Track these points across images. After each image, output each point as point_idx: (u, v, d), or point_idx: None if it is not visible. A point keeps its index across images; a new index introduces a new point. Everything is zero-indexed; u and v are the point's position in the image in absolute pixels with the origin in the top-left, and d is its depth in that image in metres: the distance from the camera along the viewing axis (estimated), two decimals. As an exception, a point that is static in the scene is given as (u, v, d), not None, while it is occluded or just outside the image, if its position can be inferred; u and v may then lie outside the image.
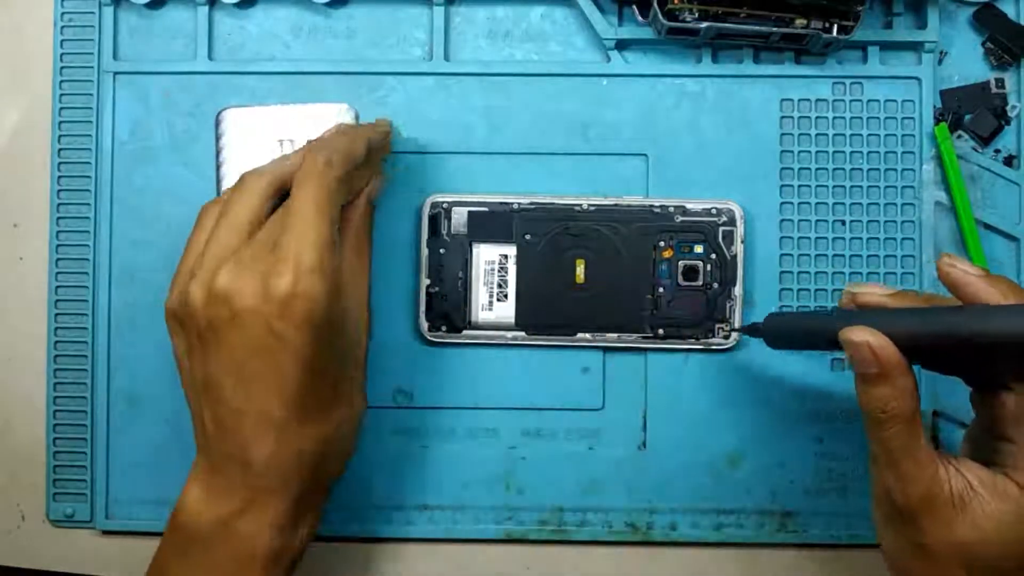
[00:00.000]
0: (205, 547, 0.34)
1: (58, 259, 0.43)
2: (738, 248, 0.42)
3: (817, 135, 0.43)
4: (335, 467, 0.37)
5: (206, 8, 0.44)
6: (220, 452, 0.34)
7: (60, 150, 0.44)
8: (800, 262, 0.43)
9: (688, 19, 0.40)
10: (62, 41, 0.44)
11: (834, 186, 0.43)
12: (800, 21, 0.40)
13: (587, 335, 0.42)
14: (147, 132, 0.44)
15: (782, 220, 0.43)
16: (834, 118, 0.43)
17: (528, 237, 0.42)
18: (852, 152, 0.43)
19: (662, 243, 0.42)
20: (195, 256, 0.34)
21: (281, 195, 0.36)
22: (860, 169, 0.43)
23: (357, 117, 0.43)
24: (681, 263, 0.42)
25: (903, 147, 0.43)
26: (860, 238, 0.43)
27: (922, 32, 0.43)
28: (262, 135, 0.43)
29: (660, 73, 0.43)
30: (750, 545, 0.43)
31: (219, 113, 0.43)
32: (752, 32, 0.41)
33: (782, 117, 0.43)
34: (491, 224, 0.42)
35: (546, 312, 0.42)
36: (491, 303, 0.42)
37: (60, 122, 0.44)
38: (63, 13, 0.44)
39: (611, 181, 0.43)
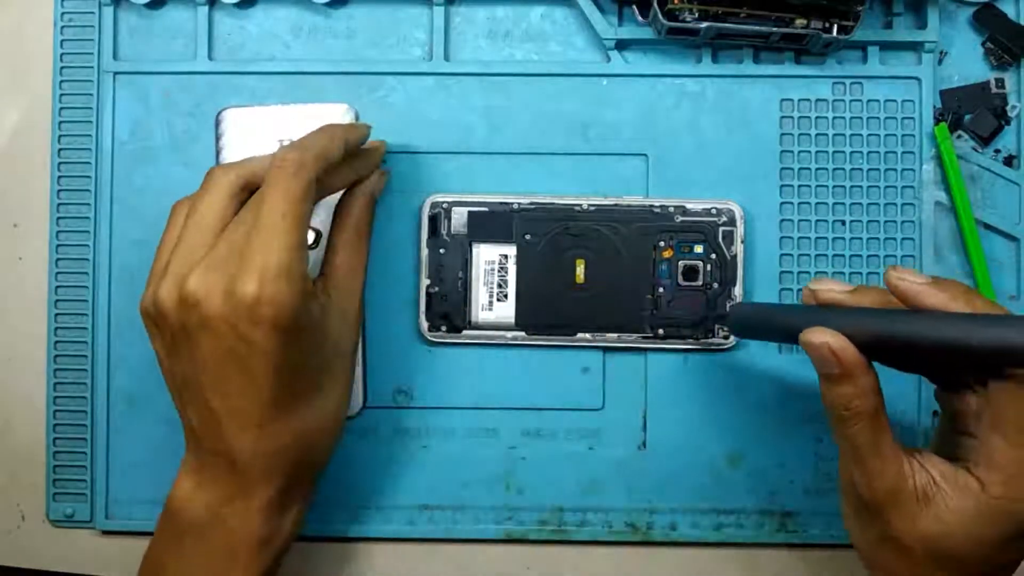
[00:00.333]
0: (197, 536, 0.35)
1: (58, 259, 0.43)
2: (738, 248, 0.42)
3: (817, 135, 0.43)
4: (319, 458, 0.37)
5: (206, 8, 0.44)
6: (205, 447, 0.35)
7: (60, 150, 0.44)
8: (800, 262, 0.43)
9: (688, 19, 0.40)
10: (62, 41, 0.44)
11: (834, 186, 0.43)
12: (800, 21, 0.40)
13: (587, 335, 0.42)
14: (147, 132, 0.44)
15: (782, 220, 0.43)
16: (834, 118, 0.43)
17: (528, 237, 0.42)
18: (852, 152, 0.43)
19: (662, 243, 0.42)
20: (166, 256, 0.35)
21: (251, 191, 0.35)
22: (860, 169, 0.43)
23: (357, 117, 0.43)
24: (681, 263, 0.42)
25: (903, 147, 0.43)
26: (860, 238, 0.43)
27: (922, 32, 0.43)
28: (262, 135, 0.43)
29: (660, 73, 0.43)
30: (750, 545, 0.43)
31: (219, 113, 0.43)
32: (752, 32, 0.41)
33: (782, 117, 0.43)
34: (491, 224, 0.42)
35: (546, 312, 0.42)
36: (491, 303, 0.42)
37: (60, 122, 0.44)
38: (63, 13, 0.44)
39: (611, 181, 0.43)
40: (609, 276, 0.42)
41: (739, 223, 0.42)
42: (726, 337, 0.42)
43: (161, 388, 0.43)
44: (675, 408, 0.43)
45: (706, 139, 0.43)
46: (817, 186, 0.43)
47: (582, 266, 0.42)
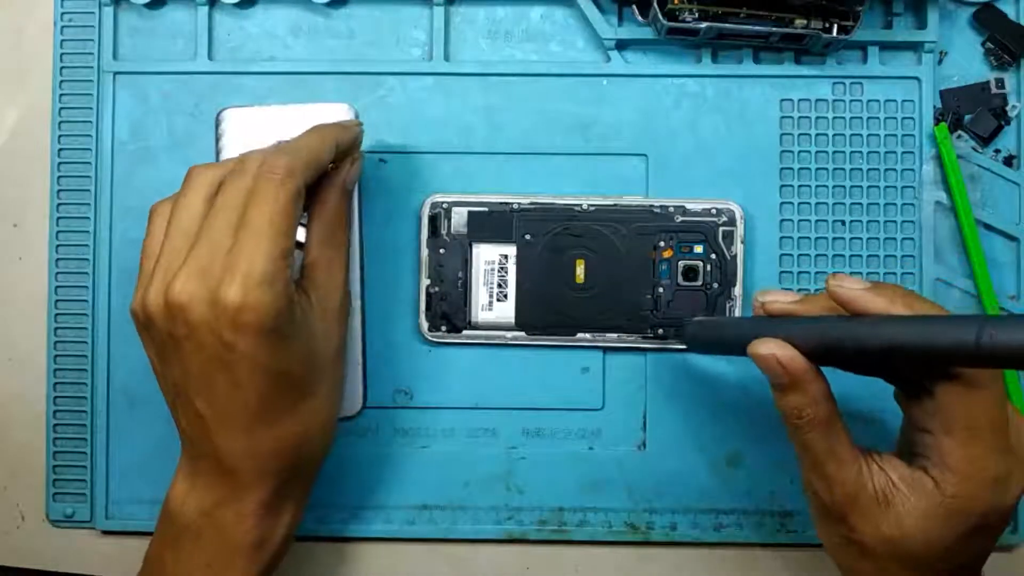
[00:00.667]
0: (192, 537, 0.35)
1: (58, 259, 0.43)
2: (738, 248, 0.42)
3: (817, 135, 0.43)
4: (312, 459, 0.37)
5: (206, 8, 0.44)
6: (197, 450, 0.35)
7: (60, 150, 0.44)
8: (800, 262, 0.43)
9: (688, 19, 0.40)
10: (62, 41, 0.44)
11: (834, 186, 0.43)
12: (800, 21, 0.40)
13: (587, 335, 0.42)
14: (147, 132, 0.44)
15: (782, 220, 0.43)
16: (834, 118, 0.43)
17: (528, 237, 0.42)
18: (852, 152, 0.43)
19: (662, 243, 0.42)
20: (152, 260, 0.35)
21: None
22: (860, 169, 0.43)
23: (357, 117, 0.43)
24: (681, 263, 0.42)
25: (903, 147, 0.43)
26: (860, 238, 0.43)
27: (922, 32, 0.43)
28: (262, 135, 0.43)
29: (660, 73, 0.43)
30: (750, 545, 0.43)
31: (219, 113, 0.43)
32: (752, 32, 0.41)
33: (782, 117, 0.43)
34: (491, 224, 0.42)
35: (546, 312, 0.42)
36: (491, 303, 0.42)
37: (60, 122, 0.44)
38: (63, 13, 0.44)
39: (611, 181, 0.43)
40: (609, 276, 0.42)
41: (739, 223, 0.42)
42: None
43: (161, 388, 0.43)
44: (675, 408, 0.43)
45: (706, 139, 0.43)
46: (817, 186, 0.43)
47: (582, 266, 0.42)
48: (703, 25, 0.40)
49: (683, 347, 0.42)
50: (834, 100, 0.43)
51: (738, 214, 0.42)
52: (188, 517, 0.35)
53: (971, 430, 0.30)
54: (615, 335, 0.42)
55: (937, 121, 0.43)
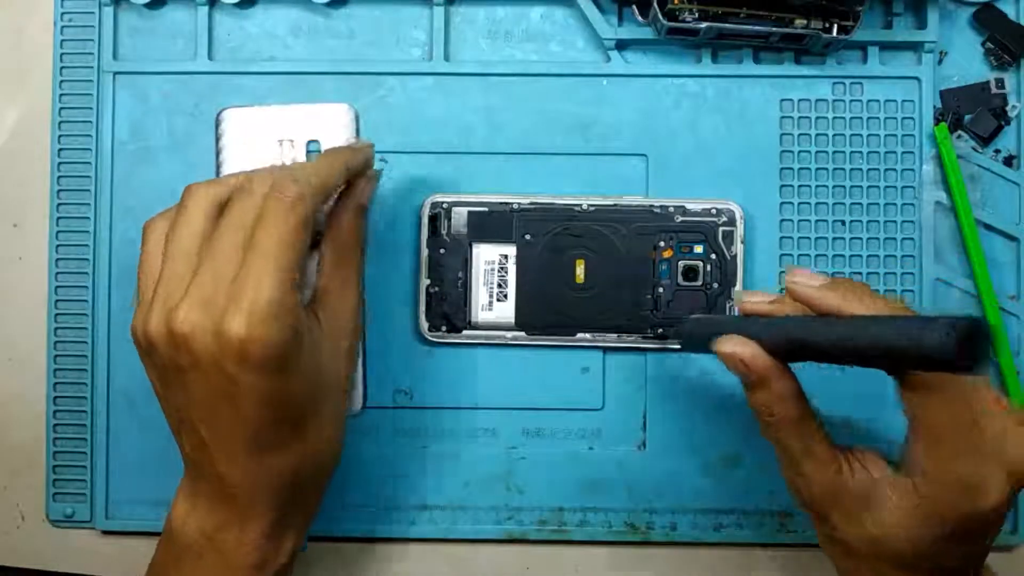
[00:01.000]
0: (194, 557, 0.35)
1: (58, 259, 0.43)
2: (738, 248, 0.42)
3: (817, 135, 0.43)
4: (316, 485, 0.36)
5: (206, 8, 0.44)
6: (198, 474, 0.35)
7: (60, 150, 0.44)
8: (800, 262, 0.43)
9: (688, 19, 0.40)
10: (62, 41, 0.44)
11: (834, 186, 0.43)
12: (800, 21, 0.40)
13: (587, 335, 0.42)
14: (147, 132, 0.44)
15: (782, 220, 0.43)
16: (834, 118, 0.43)
17: (528, 237, 0.42)
18: (852, 152, 0.43)
19: (662, 243, 0.42)
20: (151, 281, 0.33)
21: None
22: (860, 169, 0.43)
23: (357, 117, 0.43)
24: (681, 263, 0.42)
25: (903, 147, 0.43)
26: (860, 238, 0.43)
27: (922, 32, 0.43)
28: (262, 135, 0.43)
29: (660, 73, 0.43)
30: (749, 545, 0.43)
31: (219, 113, 0.43)
32: (752, 32, 0.41)
33: (782, 117, 0.43)
34: (491, 224, 0.42)
35: (546, 312, 0.42)
36: (491, 303, 0.42)
37: (60, 122, 0.44)
38: (63, 13, 0.44)
39: (611, 181, 0.43)
40: (609, 276, 0.42)
41: (739, 223, 0.42)
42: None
43: (161, 388, 0.43)
44: (675, 408, 0.43)
45: (706, 139, 0.43)
46: (817, 186, 0.43)
47: (582, 266, 0.42)
48: (703, 25, 0.40)
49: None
50: (834, 100, 0.43)
51: (738, 214, 0.42)
52: (190, 537, 0.35)
53: (934, 432, 0.30)
54: (615, 335, 0.42)
55: (937, 121, 0.43)
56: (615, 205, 0.42)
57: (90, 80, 0.44)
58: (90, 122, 0.43)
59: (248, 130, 0.43)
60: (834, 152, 0.43)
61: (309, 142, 0.43)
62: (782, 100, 0.43)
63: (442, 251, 0.42)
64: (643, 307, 0.42)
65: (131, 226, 0.43)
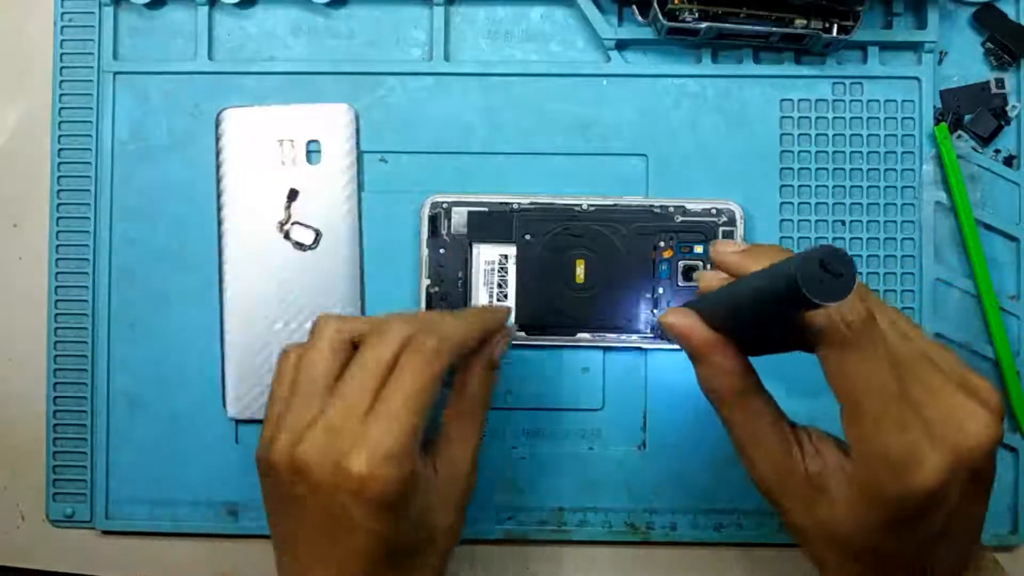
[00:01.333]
0: None
1: (58, 259, 0.43)
2: (738, 248, 0.42)
3: (817, 135, 0.43)
4: None
5: (206, 8, 0.44)
6: None
7: (60, 150, 0.44)
8: (800, 262, 0.43)
9: (688, 19, 0.40)
10: (62, 41, 0.44)
11: (834, 186, 0.43)
12: (800, 21, 0.40)
13: (587, 335, 0.42)
14: (147, 132, 0.44)
15: (782, 220, 0.43)
16: (834, 118, 0.43)
17: (528, 237, 0.42)
18: (852, 152, 0.43)
19: (662, 243, 0.42)
20: (278, 405, 0.35)
21: (356, 345, 0.35)
22: (860, 169, 0.43)
23: (357, 117, 0.43)
24: (681, 263, 0.42)
25: (903, 147, 0.43)
26: (860, 238, 0.43)
27: (922, 32, 0.43)
28: (262, 135, 0.43)
29: (660, 73, 0.43)
30: (750, 545, 0.43)
31: (219, 113, 0.43)
32: (752, 32, 0.41)
33: (782, 117, 0.43)
34: (491, 224, 0.42)
35: (546, 312, 0.42)
36: (491, 303, 0.42)
37: (60, 122, 0.44)
38: (63, 13, 0.44)
39: (611, 181, 0.43)
40: (609, 276, 0.42)
41: (739, 223, 0.42)
42: None
43: (161, 388, 0.43)
44: (675, 408, 0.43)
45: (706, 139, 0.43)
46: (817, 186, 0.43)
47: (582, 266, 0.42)
48: (703, 25, 0.40)
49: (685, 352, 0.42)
50: (834, 100, 0.43)
51: (738, 214, 0.42)
52: None
53: (854, 404, 0.28)
54: (615, 335, 0.42)
55: (937, 121, 0.43)
56: (615, 205, 0.42)
57: (90, 80, 0.44)
58: (90, 122, 0.43)
59: (248, 130, 0.43)
60: (834, 152, 0.43)
61: (309, 142, 0.43)
62: (782, 100, 0.43)
63: (442, 251, 0.42)
64: (643, 307, 0.42)
65: (131, 226, 0.43)
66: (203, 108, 0.43)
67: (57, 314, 0.43)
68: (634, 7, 0.42)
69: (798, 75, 0.43)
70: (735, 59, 0.43)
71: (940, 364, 0.30)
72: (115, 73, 0.44)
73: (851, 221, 0.43)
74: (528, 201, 0.42)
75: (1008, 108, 0.43)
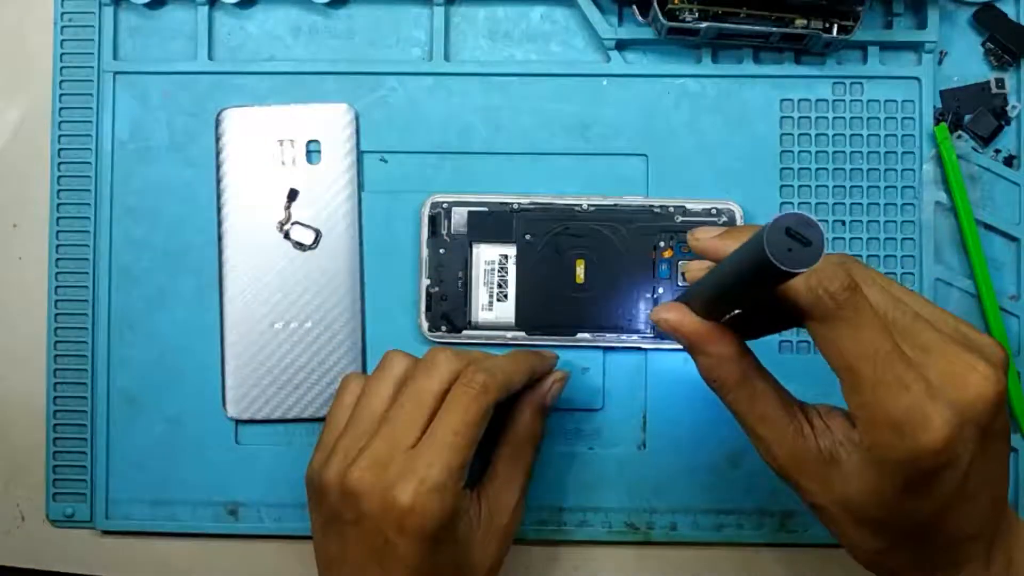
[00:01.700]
0: None
1: (58, 259, 0.43)
2: (738, 248, 0.42)
3: (817, 135, 0.43)
4: None
5: (206, 8, 0.44)
6: None
7: (60, 150, 0.44)
8: (800, 262, 0.43)
9: (688, 19, 0.40)
10: (62, 41, 0.44)
11: (834, 186, 0.43)
12: (800, 21, 0.40)
13: (587, 335, 0.42)
14: (147, 132, 0.44)
15: (782, 220, 0.43)
16: (834, 118, 0.43)
17: (528, 237, 0.42)
18: (852, 152, 0.43)
19: (662, 243, 0.42)
20: (335, 432, 0.37)
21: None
22: (860, 169, 0.43)
23: (357, 117, 0.43)
24: (681, 263, 0.42)
25: (903, 147, 0.43)
26: (860, 238, 0.43)
27: (922, 32, 0.43)
28: (262, 135, 0.43)
29: (660, 73, 0.43)
30: (750, 545, 0.43)
31: (219, 113, 0.43)
32: (752, 32, 0.41)
33: (782, 117, 0.43)
34: (491, 224, 0.42)
35: (546, 312, 0.42)
36: (491, 303, 0.42)
37: (60, 122, 0.44)
38: (63, 13, 0.44)
39: (611, 181, 0.43)
40: (609, 276, 0.42)
41: (739, 223, 0.42)
42: None
43: (161, 388, 0.43)
44: (675, 408, 0.43)
45: (706, 139, 0.43)
46: (817, 186, 0.43)
47: (582, 266, 0.42)
48: (703, 25, 0.40)
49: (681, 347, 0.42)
50: (834, 100, 0.43)
51: (738, 214, 0.42)
52: None
53: (849, 373, 0.28)
54: (615, 335, 0.42)
55: (937, 121, 0.43)
56: (615, 205, 0.42)
57: (90, 80, 0.44)
58: (90, 122, 0.43)
59: (248, 130, 0.43)
60: (834, 152, 0.43)
61: (309, 142, 0.43)
62: (782, 100, 0.43)
63: (442, 251, 0.42)
64: (643, 307, 0.42)
65: (131, 226, 0.43)
66: (203, 108, 0.43)
67: (57, 314, 0.43)
68: (634, 7, 0.42)
69: (798, 75, 0.43)
70: (735, 59, 0.43)
71: (938, 324, 0.30)
72: (115, 73, 0.44)
73: (851, 221, 0.43)
74: (528, 201, 0.42)
75: (1008, 108, 0.43)
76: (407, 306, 0.43)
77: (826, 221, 0.43)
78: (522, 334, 0.42)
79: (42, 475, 0.44)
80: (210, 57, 0.44)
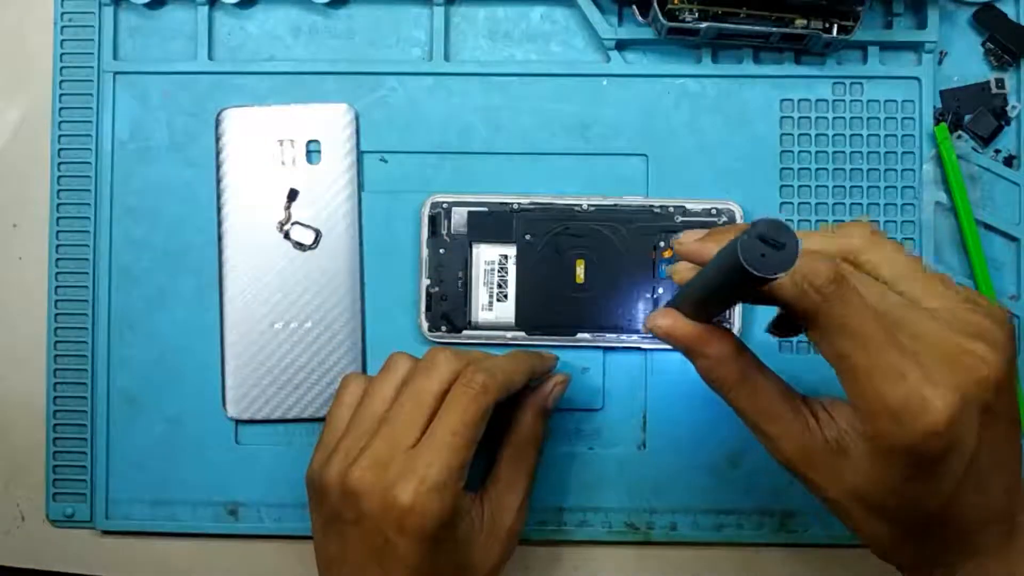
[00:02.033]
0: None
1: (58, 259, 0.43)
2: (738, 248, 0.42)
3: (817, 135, 0.43)
4: None
5: (206, 8, 0.44)
6: None
7: (60, 150, 0.44)
8: (800, 262, 0.43)
9: (688, 19, 0.40)
10: (62, 41, 0.44)
11: (834, 186, 0.43)
12: (800, 21, 0.40)
13: (587, 335, 0.42)
14: (147, 132, 0.44)
15: (782, 220, 0.43)
16: (834, 118, 0.43)
17: (528, 237, 0.42)
18: (852, 152, 0.43)
19: (662, 243, 0.42)
20: (335, 432, 0.37)
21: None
22: (860, 169, 0.43)
23: (357, 117, 0.43)
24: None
25: (903, 147, 0.43)
26: (860, 238, 0.43)
27: (922, 32, 0.43)
28: (262, 135, 0.43)
29: (660, 73, 0.43)
30: (750, 545, 0.43)
31: (219, 113, 0.43)
32: (752, 32, 0.41)
33: (782, 117, 0.43)
34: (491, 224, 0.42)
35: (546, 312, 0.42)
36: (491, 303, 0.42)
37: (60, 122, 0.44)
38: (63, 13, 0.44)
39: (611, 181, 0.43)
40: (609, 276, 0.42)
41: (739, 223, 0.42)
42: None
43: (161, 388, 0.43)
44: (675, 408, 0.43)
45: (706, 139, 0.43)
46: (817, 186, 0.43)
47: (582, 266, 0.42)
48: (703, 25, 0.40)
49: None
50: (834, 100, 0.43)
51: (738, 214, 0.42)
52: None
53: (844, 364, 0.28)
54: (615, 335, 0.42)
55: (937, 121, 0.43)
56: (615, 205, 0.42)
57: (90, 80, 0.44)
58: (90, 122, 0.43)
59: (248, 130, 0.43)
60: (834, 152, 0.43)
61: (309, 142, 0.43)
62: (782, 100, 0.43)
63: (442, 251, 0.42)
64: (643, 307, 0.42)
65: (131, 226, 0.43)
66: (203, 108, 0.43)
67: (57, 314, 0.43)
68: (634, 7, 0.42)
69: (798, 75, 0.43)
70: (735, 59, 0.43)
71: (937, 309, 0.30)
72: (115, 73, 0.44)
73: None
74: (528, 201, 0.42)
75: (1008, 108, 0.43)
76: (407, 306, 0.43)
77: (826, 221, 0.43)
78: (522, 334, 0.42)
79: (42, 475, 0.44)
80: (210, 57, 0.44)
